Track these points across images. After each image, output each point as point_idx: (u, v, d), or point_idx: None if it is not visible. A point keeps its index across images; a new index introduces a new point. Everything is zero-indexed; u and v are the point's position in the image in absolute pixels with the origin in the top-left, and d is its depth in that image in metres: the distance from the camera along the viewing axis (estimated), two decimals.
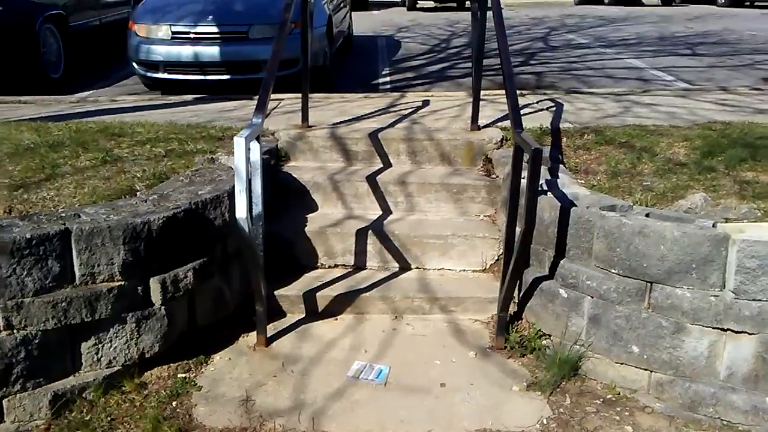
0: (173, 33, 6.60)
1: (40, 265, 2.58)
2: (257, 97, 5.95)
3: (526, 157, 2.99)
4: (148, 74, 6.78)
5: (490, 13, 4.18)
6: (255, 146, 2.94)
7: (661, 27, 13.61)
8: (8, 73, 6.88)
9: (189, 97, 6.10)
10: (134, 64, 6.88)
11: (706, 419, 2.80)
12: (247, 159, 2.76)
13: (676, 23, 14.35)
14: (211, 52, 6.53)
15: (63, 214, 2.80)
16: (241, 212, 2.78)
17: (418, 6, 18.80)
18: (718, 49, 10.34)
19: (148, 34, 6.67)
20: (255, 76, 6.64)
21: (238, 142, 2.71)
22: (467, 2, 18.35)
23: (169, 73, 6.66)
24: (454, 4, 18.65)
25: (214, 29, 6.58)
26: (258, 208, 3.03)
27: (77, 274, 2.69)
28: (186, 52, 6.55)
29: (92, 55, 8.97)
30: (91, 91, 7.10)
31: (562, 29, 13.42)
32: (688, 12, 17.51)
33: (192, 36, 6.61)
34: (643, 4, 19.78)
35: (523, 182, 3.15)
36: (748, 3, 18.60)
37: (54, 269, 2.62)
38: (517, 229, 3.19)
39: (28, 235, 2.54)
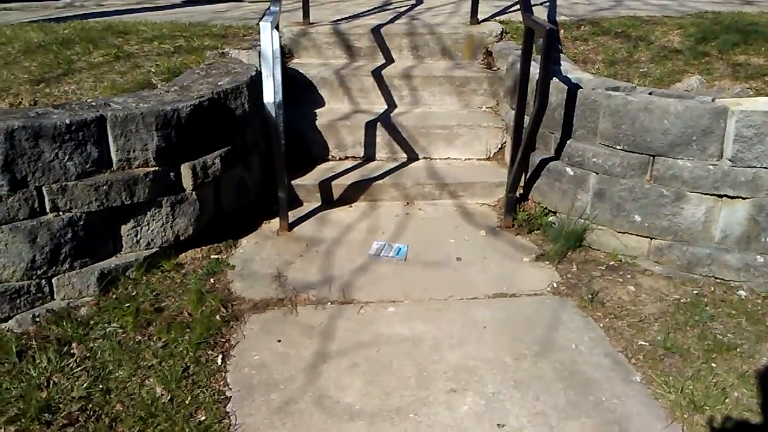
0: None
1: (80, 150, 2.68)
2: None
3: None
4: None
5: None
6: (275, 34, 3.01)
7: None
8: None
9: (177, 0, 6.01)
10: None
11: (701, 278, 3.08)
12: (273, 45, 2.84)
13: None
14: None
15: (94, 104, 2.87)
16: (268, 96, 2.89)
17: None
18: None
19: None
20: None
21: (264, 26, 2.78)
22: None
23: None
24: None
25: None
26: (279, 95, 3.12)
27: (114, 159, 2.80)
28: None
29: None
30: None
31: None
32: None
33: None
34: None
35: (533, 66, 3.28)
36: None
37: (93, 154, 2.73)
38: (525, 116, 3.36)
39: (67, 121, 2.62)
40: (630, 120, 3.06)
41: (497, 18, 4.80)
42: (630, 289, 3.03)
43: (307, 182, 3.75)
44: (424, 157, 4.04)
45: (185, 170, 3.03)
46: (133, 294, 2.85)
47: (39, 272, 2.69)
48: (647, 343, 2.65)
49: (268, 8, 3.13)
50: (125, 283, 2.90)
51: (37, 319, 2.69)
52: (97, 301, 2.82)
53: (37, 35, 3.94)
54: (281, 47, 4.34)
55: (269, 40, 2.81)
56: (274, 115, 2.97)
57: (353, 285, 3.04)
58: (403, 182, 3.79)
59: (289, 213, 3.55)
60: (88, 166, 2.72)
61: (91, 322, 2.69)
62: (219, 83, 3.29)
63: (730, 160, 2.91)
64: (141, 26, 4.32)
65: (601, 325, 2.77)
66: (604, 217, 3.26)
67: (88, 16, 5.03)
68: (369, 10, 5.21)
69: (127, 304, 2.76)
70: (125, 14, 5.16)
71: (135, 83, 3.30)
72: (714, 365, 2.52)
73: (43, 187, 2.63)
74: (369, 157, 4.02)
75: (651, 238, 3.17)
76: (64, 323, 2.65)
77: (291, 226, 3.51)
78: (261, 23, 2.81)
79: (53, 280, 2.77)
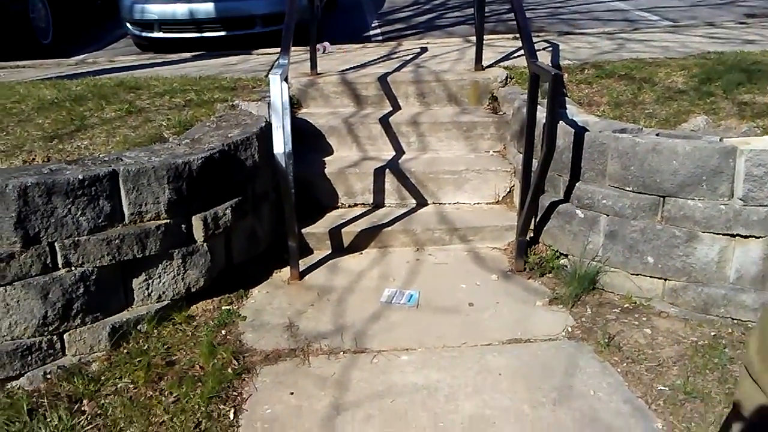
0: None
1: (93, 205, 2.71)
2: (256, 51, 6.09)
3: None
4: (143, 34, 6.78)
5: None
6: (284, 86, 3.06)
7: None
8: None
9: (187, 54, 6.13)
10: (128, 25, 6.87)
11: (717, 319, 3.03)
12: (282, 96, 2.89)
13: None
14: (207, 8, 6.54)
15: (106, 158, 2.91)
16: (278, 147, 2.92)
17: None
18: None
19: None
20: (250, 31, 6.70)
21: (274, 79, 2.83)
22: None
23: (164, 32, 6.67)
24: None
25: None
26: (288, 145, 3.15)
27: (126, 213, 2.82)
28: (181, 10, 6.56)
29: (78, 20, 8.88)
30: (85, 55, 7.08)
31: None
32: None
33: None
34: None
35: (539, 110, 3.31)
36: None
37: (105, 208, 2.75)
38: (534, 159, 3.38)
39: (80, 176, 2.66)
40: (638, 161, 3.07)
41: (501, 64, 4.86)
42: (646, 332, 2.98)
43: (317, 230, 3.76)
44: (433, 203, 4.05)
45: (196, 222, 3.04)
46: (145, 348, 2.84)
47: (51, 328, 2.68)
48: (667, 388, 2.60)
49: (277, 60, 3.20)
50: (136, 337, 2.89)
51: (48, 376, 2.67)
52: (109, 356, 2.81)
53: (50, 92, 4.02)
54: (290, 98, 4.41)
55: (278, 92, 2.86)
56: (284, 165, 2.99)
57: (366, 333, 3.02)
58: (412, 228, 3.79)
59: (300, 261, 3.54)
60: (100, 220, 2.74)
61: (102, 377, 2.67)
62: (229, 135, 3.33)
63: (741, 199, 2.90)
64: (152, 81, 4.40)
65: (619, 369, 2.72)
66: (616, 259, 3.23)
67: (101, 72, 5.13)
68: (375, 60, 5.30)
69: (138, 359, 2.74)
70: (137, 70, 5.26)
71: (147, 137, 3.35)
72: None
73: (55, 243, 2.64)
74: (378, 203, 4.03)
75: (665, 280, 3.14)
76: (75, 380, 2.63)
77: (302, 275, 3.50)
78: (270, 76, 2.86)
79: (65, 336, 2.76)
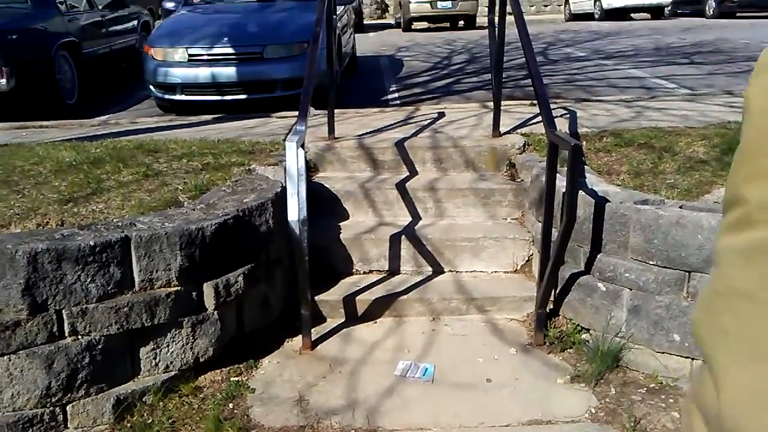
0: (190, 55, 6.73)
1: (103, 272, 2.66)
2: (276, 114, 6.16)
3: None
4: (166, 96, 6.89)
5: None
6: (301, 152, 3.04)
7: (656, 39, 13.86)
8: (25, 99, 6.98)
9: (207, 117, 6.20)
10: (151, 87, 6.99)
11: None
12: (298, 163, 2.86)
13: (670, 35, 14.60)
14: (228, 72, 6.66)
15: (119, 224, 2.88)
16: (292, 215, 2.87)
17: (413, 27, 19.05)
18: (714, 57, 10.55)
19: (165, 57, 6.80)
20: (270, 95, 6.79)
21: (290, 146, 2.81)
22: (460, 22, 18.78)
23: (187, 95, 6.78)
24: (447, 25, 19.06)
25: (230, 50, 6.72)
26: (303, 212, 3.12)
27: (137, 280, 2.77)
28: (203, 73, 6.68)
29: (103, 82, 9.10)
30: (108, 116, 7.20)
31: (558, 44, 13.65)
32: (679, 24, 17.80)
33: (208, 57, 6.74)
34: (632, 19, 20.11)
35: (558, 179, 3.26)
36: (738, 15, 18.92)
37: (116, 275, 2.70)
38: (553, 228, 3.30)
39: (91, 243, 2.62)
40: (662, 234, 2.98)
41: (519, 130, 4.85)
42: (674, 415, 2.83)
43: (330, 298, 3.68)
44: (450, 270, 3.96)
45: (208, 289, 2.98)
46: (149, 422, 2.73)
47: (54, 399, 2.60)
48: None
49: (294, 126, 3.19)
50: (141, 409, 2.79)
51: None
52: (112, 429, 2.71)
53: (69, 154, 4.04)
54: (306, 162, 4.40)
55: (294, 159, 2.84)
56: (298, 233, 2.95)
57: (378, 410, 2.89)
58: (428, 297, 3.70)
59: (313, 330, 3.44)
60: (110, 287, 2.69)
61: None
62: (244, 200, 3.31)
63: None
64: (171, 144, 4.43)
65: None
66: (641, 335, 3.11)
67: (122, 134, 5.19)
68: (393, 124, 5.32)
69: None
70: (157, 132, 5.31)
71: (162, 201, 3.33)
72: None
73: (63, 310, 2.59)
74: (394, 270, 3.95)
75: (692, 359, 3.00)
76: None
77: (314, 345, 3.40)
78: (287, 142, 2.85)
79: (68, 408, 2.67)
